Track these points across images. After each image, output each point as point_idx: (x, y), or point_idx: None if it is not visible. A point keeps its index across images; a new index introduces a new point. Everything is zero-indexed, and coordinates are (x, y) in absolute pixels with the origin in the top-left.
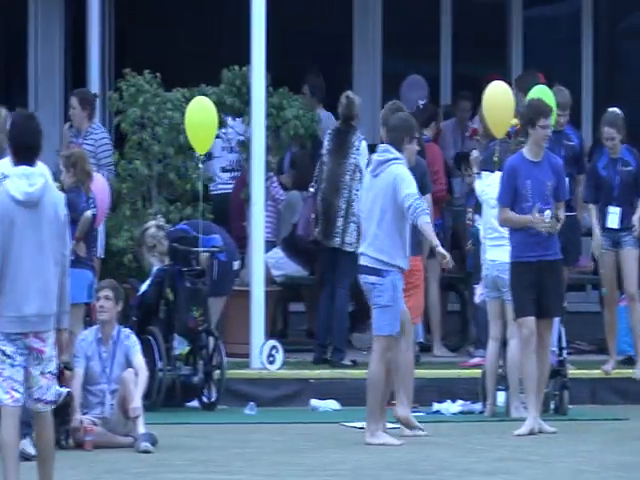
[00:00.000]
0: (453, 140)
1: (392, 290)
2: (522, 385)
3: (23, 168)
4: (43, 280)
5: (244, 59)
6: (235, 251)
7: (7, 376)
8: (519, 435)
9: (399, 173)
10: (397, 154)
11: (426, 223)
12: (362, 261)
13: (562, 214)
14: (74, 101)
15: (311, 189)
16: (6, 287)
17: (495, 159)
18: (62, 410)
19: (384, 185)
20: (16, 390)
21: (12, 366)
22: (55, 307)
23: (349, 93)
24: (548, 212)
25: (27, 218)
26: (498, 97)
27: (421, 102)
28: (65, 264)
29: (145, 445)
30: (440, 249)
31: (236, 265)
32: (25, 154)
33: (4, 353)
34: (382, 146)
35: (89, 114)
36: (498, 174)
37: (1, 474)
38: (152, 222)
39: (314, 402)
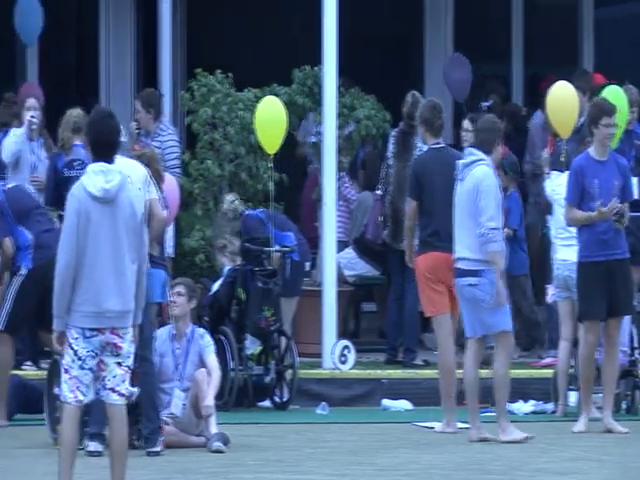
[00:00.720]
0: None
1: (492, 286)
2: (595, 385)
3: (100, 165)
4: (120, 277)
5: (316, 59)
6: (308, 251)
7: (74, 376)
8: (579, 432)
9: (482, 181)
10: (481, 155)
11: (494, 252)
12: (460, 265)
13: (627, 214)
14: (137, 104)
15: (378, 192)
16: (83, 283)
17: (562, 159)
18: (134, 410)
19: (470, 189)
20: (81, 392)
21: (81, 368)
22: (133, 304)
23: (415, 92)
24: (615, 200)
25: (103, 214)
26: (562, 97)
27: (485, 104)
28: (142, 262)
29: (217, 445)
30: (500, 284)
31: (307, 266)
32: (103, 151)
33: (76, 353)
34: (467, 149)
35: (154, 116)
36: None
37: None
38: (231, 195)
39: (386, 402)
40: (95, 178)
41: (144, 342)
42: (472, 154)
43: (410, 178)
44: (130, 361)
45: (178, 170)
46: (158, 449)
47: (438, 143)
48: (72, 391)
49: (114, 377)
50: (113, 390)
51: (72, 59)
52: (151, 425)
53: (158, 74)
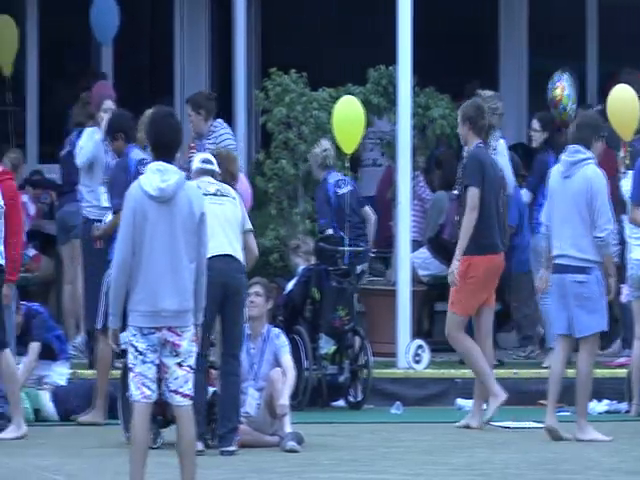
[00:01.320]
0: None
1: (598, 285)
2: None
3: (159, 164)
4: (177, 276)
5: (391, 58)
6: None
7: (138, 372)
8: None
9: (594, 181)
10: (588, 153)
11: (609, 256)
12: (565, 261)
13: None
14: (188, 108)
15: (454, 191)
16: (139, 282)
17: (626, 160)
18: (209, 409)
19: (579, 188)
20: (147, 387)
21: (143, 362)
22: (191, 303)
23: (484, 91)
24: None
25: (159, 213)
26: (623, 100)
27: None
28: (201, 261)
29: (291, 444)
30: (612, 281)
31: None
32: (163, 150)
33: (136, 349)
34: (572, 147)
35: (205, 116)
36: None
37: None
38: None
39: (460, 401)
40: (152, 177)
41: (235, 341)
42: (579, 152)
43: (475, 166)
44: (191, 361)
45: None
46: (233, 448)
47: (481, 143)
48: (138, 388)
49: (176, 379)
50: (176, 392)
51: (146, 59)
52: (229, 425)
53: (232, 73)
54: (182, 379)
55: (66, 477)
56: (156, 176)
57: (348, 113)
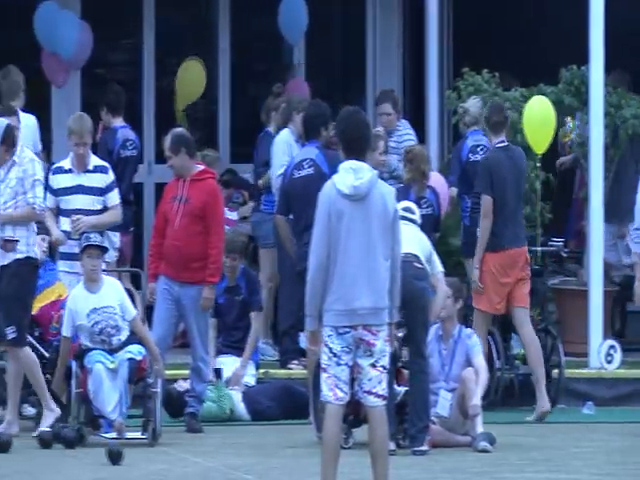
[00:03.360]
0: None
1: None
2: None
3: (351, 162)
4: (372, 274)
5: (583, 58)
6: None
7: (332, 374)
8: None
9: None
10: None
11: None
12: None
13: None
14: (387, 107)
15: None
16: (335, 281)
17: None
18: (400, 409)
19: None
20: (340, 389)
21: (337, 365)
22: (387, 301)
23: None
24: None
25: (355, 212)
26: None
27: None
28: (396, 259)
29: (483, 444)
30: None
31: None
32: (354, 149)
33: (331, 350)
34: None
35: (397, 115)
36: None
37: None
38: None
39: None
40: (346, 176)
41: (420, 341)
42: None
43: (482, 172)
44: (385, 361)
45: None
46: (424, 448)
47: (502, 141)
48: (331, 389)
49: (369, 380)
50: (370, 392)
51: (338, 58)
52: (420, 424)
53: (425, 73)
54: (376, 380)
55: (257, 477)
56: (350, 175)
57: (539, 113)
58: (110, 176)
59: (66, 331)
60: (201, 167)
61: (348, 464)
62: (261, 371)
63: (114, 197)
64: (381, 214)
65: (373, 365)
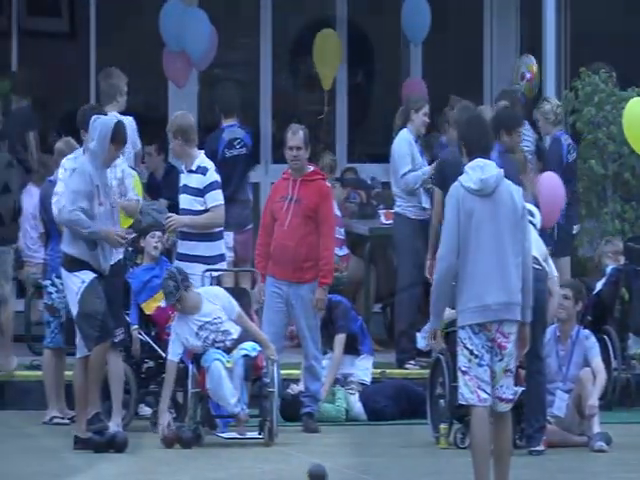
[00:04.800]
0: None
1: None
2: None
3: (477, 161)
4: (504, 270)
5: None
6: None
7: (473, 375)
8: None
9: None
10: None
11: None
12: None
13: None
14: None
15: None
16: (467, 280)
17: None
18: (516, 409)
19: None
20: (483, 390)
21: (479, 365)
22: (519, 298)
23: None
24: None
25: (484, 209)
26: None
27: None
28: (526, 255)
29: (600, 444)
30: None
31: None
32: (477, 147)
33: (471, 352)
34: None
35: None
36: None
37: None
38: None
39: None
40: (472, 173)
41: (537, 341)
42: None
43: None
44: (513, 363)
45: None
46: (540, 448)
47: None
48: (473, 392)
49: (501, 386)
50: (501, 399)
51: (455, 59)
52: (536, 424)
53: (543, 73)
54: (506, 385)
55: (374, 477)
56: (476, 172)
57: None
58: (209, 177)
59: (173, 355)
60: (312, 167)
61: (464, 464)
62: (378, 371)
63: (212, 199)
64: (510, 211)
65: (505, 370)
